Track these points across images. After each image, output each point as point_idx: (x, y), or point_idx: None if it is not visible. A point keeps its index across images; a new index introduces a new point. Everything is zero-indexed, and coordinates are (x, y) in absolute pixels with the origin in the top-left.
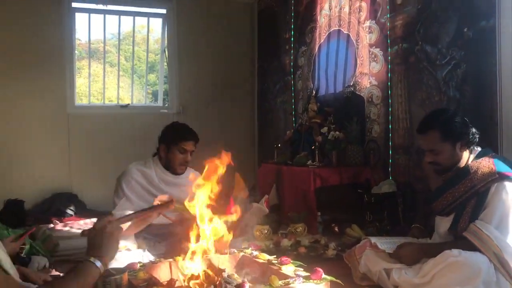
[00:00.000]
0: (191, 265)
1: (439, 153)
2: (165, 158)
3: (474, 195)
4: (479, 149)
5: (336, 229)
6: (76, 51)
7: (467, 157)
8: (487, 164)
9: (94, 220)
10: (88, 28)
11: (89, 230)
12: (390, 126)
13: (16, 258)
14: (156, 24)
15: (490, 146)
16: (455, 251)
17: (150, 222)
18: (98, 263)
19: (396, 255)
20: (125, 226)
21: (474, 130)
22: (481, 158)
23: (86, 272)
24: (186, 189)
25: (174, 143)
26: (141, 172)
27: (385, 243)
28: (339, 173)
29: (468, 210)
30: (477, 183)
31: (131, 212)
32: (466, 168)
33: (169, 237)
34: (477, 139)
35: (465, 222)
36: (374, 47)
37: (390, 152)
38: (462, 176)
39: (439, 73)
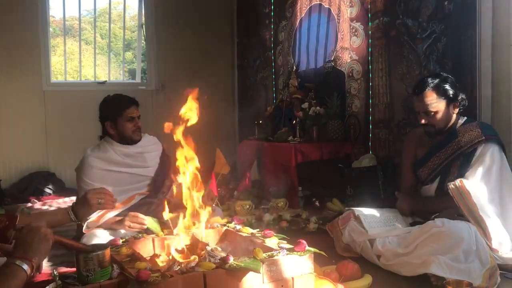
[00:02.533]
0: (175, 239)
1: (434, 113)
2: (116, 134)
3: (461, 156)
4: (465, 118)
5: (317, 203)
6: (50, 29)
7: (455, 121)
8: (474, 128)
9: (73, 198)
10: (62, 4)
11: (23, 227)
12: (370, 101)
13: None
14: (132, 0)
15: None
16: (438, 222)
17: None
18: (25, 266)
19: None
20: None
21: (463, 95)
22: (468, 124)
23: (12, 276)
24: (149, 156)
25: (119, 115)
26: (99, 159)
27: (368, 217)
28: (320, 148)
29: (454, 171)
30: (463, 145)
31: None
32: (454, 131)
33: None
34: (467, 103)
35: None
36: (355, 21)
37: (370, 126)
38: (449, 139)
39: (419, 47)
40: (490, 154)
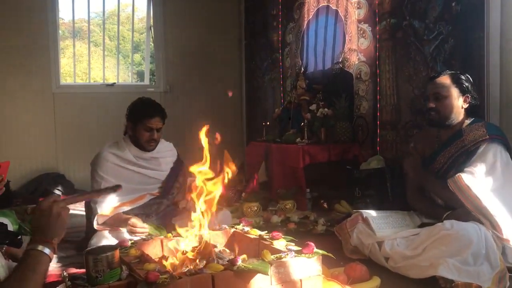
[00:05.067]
0: (183, 241)
1: (443, 98)
2: (132, 136)
3: (464, 154)
4: (473, 118)
5: (325, 205)
6: (59, 31)
7: (463, 118)
8: (480, 127)
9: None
10: (72, 6)
11: (34, 210)
12: (378, 103)
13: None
14: (141, 2)
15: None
16: (447, 224)
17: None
18: (47, 250)
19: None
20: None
21: (476, 94)
22: (474, 124)
23: (37, 263)
24: (164, 161)
25: (139, 121)
26: (115, 155)
27: (376, 219)
28: (327, 150)
29: (456, 167)
30: (467, 143)
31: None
32: (460, 130)
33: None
34: (478, 103)
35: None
36: (362, 22)
37: (378, 128)
38: (455, 138)
39: (426, 48)
40: (493, 152)
